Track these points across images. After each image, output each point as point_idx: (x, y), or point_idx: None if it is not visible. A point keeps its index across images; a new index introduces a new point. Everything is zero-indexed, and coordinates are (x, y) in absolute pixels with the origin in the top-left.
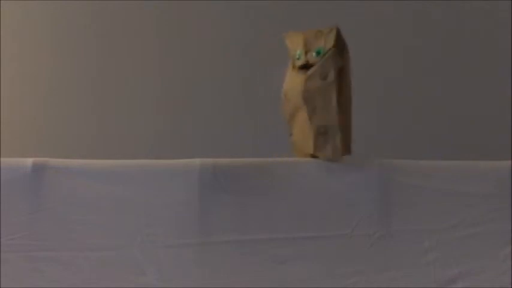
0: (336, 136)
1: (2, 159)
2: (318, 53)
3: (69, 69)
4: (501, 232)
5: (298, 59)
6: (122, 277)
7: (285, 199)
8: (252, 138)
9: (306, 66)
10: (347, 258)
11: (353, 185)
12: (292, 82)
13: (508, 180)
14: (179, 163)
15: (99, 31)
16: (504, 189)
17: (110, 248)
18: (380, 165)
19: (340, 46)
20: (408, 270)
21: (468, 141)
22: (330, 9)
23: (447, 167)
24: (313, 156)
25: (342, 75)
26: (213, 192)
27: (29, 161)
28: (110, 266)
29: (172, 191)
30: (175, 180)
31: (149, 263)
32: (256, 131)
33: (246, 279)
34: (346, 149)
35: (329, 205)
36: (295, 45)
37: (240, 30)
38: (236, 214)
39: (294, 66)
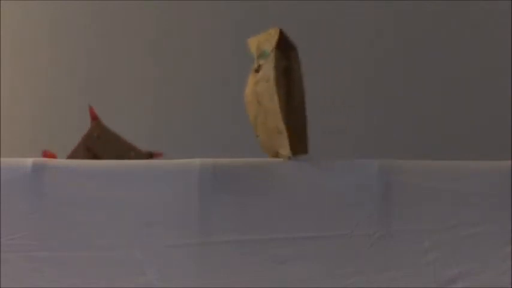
0: (284, 137)
1: (2, 159)
2: (264, 55)
3: (69, 69)
4: (501, 232)
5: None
6: (122, 277)
7: (285, 199)
8: (252, 138)
9: (258, 70)
10: (347, 258)
11: (353, 185)
12: (250, 85)
13: (508, 180)
14: (179, 163)
15: (100, 31)
16: (504, 189)
17: (110, 248)
18: (380, 165)
19: (284, 47)
20: (408, 270)
21: (468, 141)
22: (330, 9)
23: (447, 167)
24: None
25: (290, 76)
26: (213, 192)
27: (29, 161)
28: (110, 266)
29: (172, 191)
30: (175, 180)
31: (149, 263)
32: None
33: (246, 279)
34: (301, 148)
35: (329, 205)
36: (252, 49)
37: (241, 30)
38: (236, 214)
39: (252, 70)
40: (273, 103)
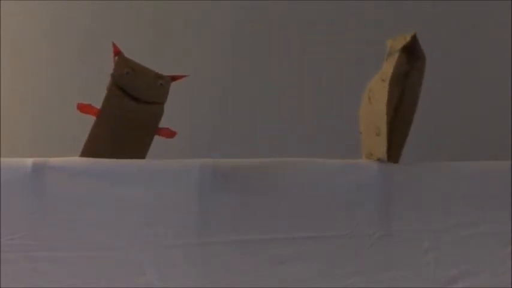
0: (383, 139)
1: (2, 159)
2: (390, 55)
3: (70, 69)
4: (501, 232)
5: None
6: (122, 277)
7: (285, 199)
8: (252, 138)
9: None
10: (347, 258)
11: (353, 185)
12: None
13: (508, 180)
14: (179, 163)
15: (100, 31)
16: (504, 189)
17: (110, 248)
18: (380, 165)
19: (411, 52)
20: (408, 270)
21: (468, 141)
22: (330, 9)
23: (447, 167)
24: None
25: (408, 83)
26: (213, 192)
27: (29, 161)
28: (110, 266)
29: (172, 191)
30: (175, 180)
31: (149, 263)
32: (256, 131)
33: (246, 279)
34: (393, 157)
35: (329, 205)
36: (388, 49)
37: (241, 30)
38: (236, 214)
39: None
40: (381, 103)
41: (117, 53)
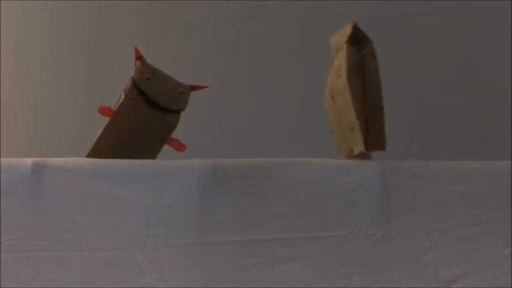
0: (357, 132)
1: (2, 159)
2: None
3: (70, 69)
4: (501, 232)
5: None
6: (122, 277)
7: (285, 199)
8: (252, 138)
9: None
10: (347, 258)
11: (353, 185)
12: (327, 82)
13: (508, 180)
14: (179, 163)
15: (100, 31)
16: (504, 189)
17: (110, 248)
18: (380, 165)
19: (358, 41)
20: (408, 270)
21: (468, 141)
22: (330, 9)
23: (447, 167)
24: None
25: (365, 70)
26: (213, 192)
27: (29, 161)
28: (110, 266)
29: (172, 191)
30: (175, 180)
31: (149, 263)
32: (256, 131)
33: (246, 279)
34: (377, 144)
35: (329, 205)
36: (332, 47)
37: (242, 29)
38: (236, 214)
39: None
40: (345, 98)
41: (139, 57)
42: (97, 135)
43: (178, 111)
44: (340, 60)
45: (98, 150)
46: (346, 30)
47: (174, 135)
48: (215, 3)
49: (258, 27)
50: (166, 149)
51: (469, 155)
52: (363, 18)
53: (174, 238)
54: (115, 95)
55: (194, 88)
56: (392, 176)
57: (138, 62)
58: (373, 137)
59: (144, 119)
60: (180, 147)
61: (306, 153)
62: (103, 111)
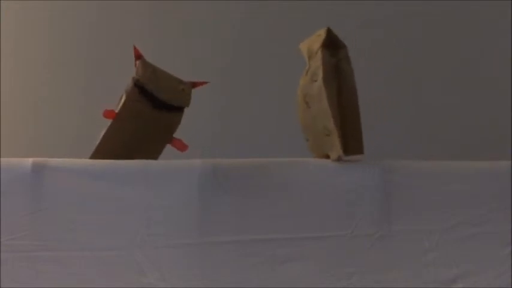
0: (335, 137)
1: (2, 159)
2: (313, 56)
3: (70, 69)
4: (501, 232)
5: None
6: (122, 277)
7: (285, 199)
8: (252, 138)
9: (308, 72)
10: (347, 258)
11: (353, 185)
12: (300, 88)
13: (508, 180)
14: (179, 163)
15: (100, 31)
16: (504, 189)
17: (110, 248)
18: (380, 165)
19: (331, 45)
20: (408, 270)
21: (468, 141)
22: (330, 9)
23: (447, 167)
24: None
25: (340, 75)
26: (213, 192)
27: (29, 161)
28: (110, 266)
29: (172, 191)
30: (175, 180)
31: (149, 263)
32: (256, 131)
33: (246, 279)
34: (355, 148)
35: (329, 205)
36: (304, 52)
37: (242, 29)
38: (236, 214)
39: (304, 73)
40: (322, 103)
41: (139, 56)
42: (99, 137)
43: (181, 110)
44: (315, 66)
45: (101, 153)
46: (320, 36)
47: (174, 134)
48: (215, 3)
49: (258, 27)
50: (166, 148)
51: (469, 155)
52: (363, 18)
53: (174, 238)
54: (115, 95)
55: (195, 85)
56: (392, 176)
57: (137, 62)
58: (351, 141)
59: (146, 120)
60: (182, 147)
61: (306, 153)
62: (107, 114)
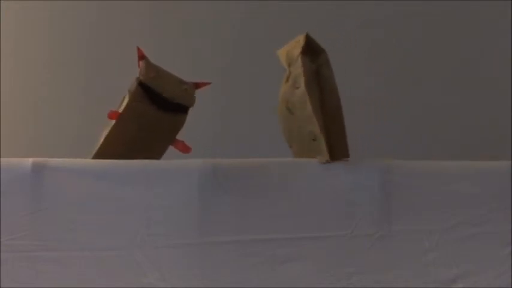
0: (321, 142)
1: (2, 159)
2: (293, 63)
3: (70, 69)
4: (501, 232)
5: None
6: (122, 277)
7: (285, 199)
8: (252, 138)
9: (288, 79)
10: (347, 258)
11: (353, 185)
12: (281, 95)
13: (508, 180)
14: (179, 163)
15: (100, 31)
16: (504, 189)
17: (110, 248)
18: (380, 165)
19: (311, 51)
20: (408, 270)
21: (468, 141)
22: (330, 9)
23: (447, 167)
24: None
25: (321, 80)
26: (213, 192)
27: (29, 161)
28: (110, 266)
29: (172, 191)
30: (175, 180)
31: (149, 263)
32: (256, 131)
33: (246, 279)
34: (341, 152)
35: (329, 205)
36: (282, 59)
37: (242, 29)
38: (236, 214)
39: (284, 80)
40: (305, 109)
41: (142, 57)
42: (100, 137)
43: (185, 112)
44: (297, 72)
45: (103, 153)
46: (298, 42)
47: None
48: (215, 3)
49: (258, 27)
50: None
51: (469, 155)
52: (363, 18)
53: (174, 238)
54: (115, 95)
55: (198, 85)
56: (392, 176)
57: (141, 62)
58: (336, 145)
59: (149, 121)
60: (185, 149)
61: None
62: (112, 115)
